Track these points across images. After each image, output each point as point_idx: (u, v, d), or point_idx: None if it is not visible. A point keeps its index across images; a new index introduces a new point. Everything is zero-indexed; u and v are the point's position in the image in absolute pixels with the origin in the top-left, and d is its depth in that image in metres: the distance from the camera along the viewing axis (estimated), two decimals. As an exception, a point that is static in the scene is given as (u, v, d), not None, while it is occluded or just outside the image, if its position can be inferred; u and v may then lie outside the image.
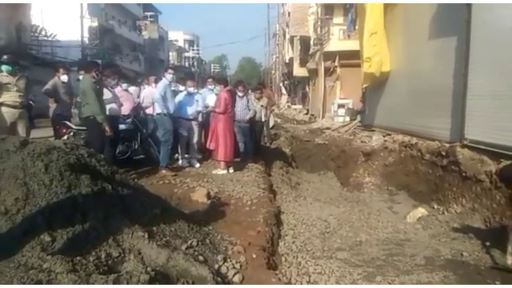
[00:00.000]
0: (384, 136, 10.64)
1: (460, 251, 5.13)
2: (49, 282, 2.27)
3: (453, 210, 6.64)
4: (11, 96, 6.47)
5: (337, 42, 19.56)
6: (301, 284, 4.33)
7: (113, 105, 7.09)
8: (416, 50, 9.69)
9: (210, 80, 9.48)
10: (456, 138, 7.42)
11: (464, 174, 6.60)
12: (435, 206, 7.11)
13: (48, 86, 7.80)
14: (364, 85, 12.96)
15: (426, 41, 8.95)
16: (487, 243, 5.20)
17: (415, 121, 9.36)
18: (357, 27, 15.12)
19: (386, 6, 11.26)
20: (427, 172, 7.85)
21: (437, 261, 4.94)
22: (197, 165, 8.25)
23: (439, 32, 8.44)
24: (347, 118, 16.57)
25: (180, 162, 8.30)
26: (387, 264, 4.89)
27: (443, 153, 7.32)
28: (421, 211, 6.98)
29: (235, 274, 3.61)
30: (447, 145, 7.44)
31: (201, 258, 3.53)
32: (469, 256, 4.99)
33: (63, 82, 7.90)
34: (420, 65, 9.41)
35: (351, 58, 15.14)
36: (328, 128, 15.13)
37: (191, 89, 8.17)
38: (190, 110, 8.12)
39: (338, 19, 21.04)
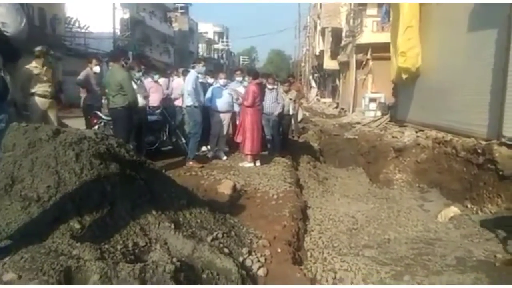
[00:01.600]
0: (416, 132, 10.35)
1: (494, 253, 4.91)
2: (77, 268, 2.32)
3: (487, 210, 6.40)
4: (42, 87, 6.59)
5: (370, 34, 19.08)
6: (327, 280, 4.26)
7: (139, 96, 7.16)
8: (453, 43, 9.33)
9: (238, 72, 9.45)
10: (493, 135, 7.12)
11: (500, 173, 6.33)
12: (469, 206, 6.86)
13: (80, 77, 7.97)
14: (396, 79, 12.63)
15: (463, 35, 8.60)
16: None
17: (449, 117, 9.05)
18: (390, 19, 14.71)
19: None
20: (461, 170, 7.58)
21: (469, 262, 4.76)
22: (224, 157, 8.27)
23: (477, 25, 8.09)
24: (379, 113, 16.22)
25: (209, 154, 8.33)
26: (416, 264, 4.74)
27: (479, 150, 7.04)
28: (453, 210, 6.74)
29: (259, 267, 3.60)
30: (484, 142, 7.15)
31: (226, 250, 3.53)
32: (503, 258, 4.77)
33: (95, 73, 8.05)
34: (457, 59, 9.06)
35: (384, 51, 14.72)
36: (358, 123, 14.87)
37: (222, 81, 8.17)
38: (222, 103, 8.13)
39: (371, 10, 20.49)
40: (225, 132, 8.34)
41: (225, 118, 8.26)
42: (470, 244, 5.34)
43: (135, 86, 6.96)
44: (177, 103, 8.49)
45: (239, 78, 8.96)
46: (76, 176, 3.24)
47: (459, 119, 8.59)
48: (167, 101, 8.42)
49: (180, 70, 9.38)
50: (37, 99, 6.57)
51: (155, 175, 4.16)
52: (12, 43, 2.61)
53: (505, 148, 6.57)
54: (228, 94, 8.23)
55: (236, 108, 8.45)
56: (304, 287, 3.61)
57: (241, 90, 8.34)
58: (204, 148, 8.51)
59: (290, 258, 4.02)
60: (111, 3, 26.71)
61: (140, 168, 3.95)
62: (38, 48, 6.65)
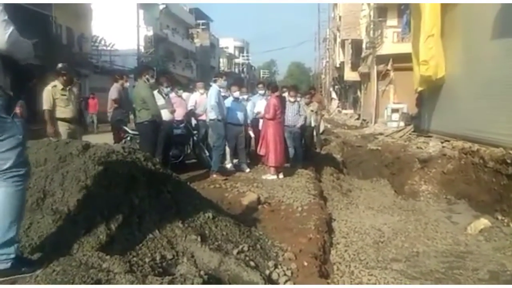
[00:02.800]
0: (442, 142, 10.13)
1: (529, 267, 4.74)
2: (108, 281, 2.35)
3: (519, 222, 6.17)
4: (65, 109, 6.15)
5: (390, 45, 18.99)
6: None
7: (166, 111, 7.28)
8: (478, 51, 9.17)
9: (260, 85, 9.52)
10: (523, 144, 6.91)
11: (532, 183, 6.12)
12: (499, 217, 6.63)
13: (115, 93, 8.13)
14: (419, 89, 12.45)
15: (489, 42, 8.44)
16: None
17: (476, 126, 8.83)
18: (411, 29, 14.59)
19: (444, 7, 10.78)
20: (490, 180, 7.35)
21: (502, 276, 4.60)
22: (247, 169, 8.28)
23: (503, 32, 7.93)
24: (402, 123, 16.00)
25: (228, 166, 8.37)
26: (447, 278, 4.61)
27: (508, 160, 6.82)
28: (483, 222, 6.53)
29: (286, 281, 3.56)
30: (513, 152, 6.94)
31: (252, 263, 3.50)
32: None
33: (123, 89, 8.26)
34: (483, 67, 8.88)
35: (405, 61, 14.58)
36: (381, 134, 14.68)
37: (237, 94, 8.22)
38: (238, 115, 8.18)
39: (392, 21, 20.42)
40: (243, 145, 8.37)
41: (241, 130, 8.30)
42: (502, 257, 5.16)
43: (163, 101, 7.10)
44: (201, 117, 8.58)
45: (261, 92, 9.01)
46: (104, 190, 3.30)
47: (486, 128, 8.37)
48: (190, 115, 8.52)
49: (200, 84, 9.42)
50: (62, 124, 6.14)
51: (181, 188, 4.20)
52: (19, 63, 2.49)
53: (536, 157, 6.36)
54: (243, 107, 8.28)
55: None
56: (308, 287, 3.56)
57: (263, 103, 8.39)
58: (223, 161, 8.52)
59: (316, 272, 3.96)
60: (135, 20, 27.43)
61: (166, 181, 3.99)
62: (60, 66, 6.32)
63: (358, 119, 25.14)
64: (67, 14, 22.51)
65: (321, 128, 13.43)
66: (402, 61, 16.46)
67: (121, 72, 9.26)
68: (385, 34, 19.57)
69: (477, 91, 8.97)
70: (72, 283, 2.30)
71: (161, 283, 2.41)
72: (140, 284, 2.35)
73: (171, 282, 2.45)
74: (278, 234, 4.71)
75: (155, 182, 3.77)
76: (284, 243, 4.41)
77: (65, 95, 6.14)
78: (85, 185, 3.25)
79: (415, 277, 4.61)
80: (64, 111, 6.13)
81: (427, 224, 6.77)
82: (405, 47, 15.37)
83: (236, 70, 63.53)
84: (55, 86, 6.09)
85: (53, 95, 6.02)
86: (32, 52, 2.57)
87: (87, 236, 2.96)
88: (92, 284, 2.30)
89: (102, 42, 26.97)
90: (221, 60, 56.89)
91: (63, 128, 6.12)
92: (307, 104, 9.82)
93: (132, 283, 2.34)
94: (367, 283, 4.37)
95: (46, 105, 6.01)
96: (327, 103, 39.15)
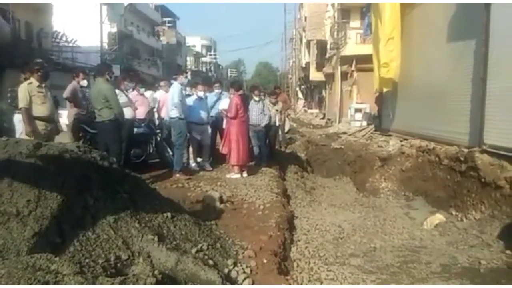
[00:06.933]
0: (401, 141, 10.46)
1: (478, 259, 4.96)
2: (55, 283, 2.29)
3: (471, 216, 6.46)
4: (42, 107, 5.91)
5: (354, 46, 19.38)
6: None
7: (128, 109, 7.16)
8: (433, 53, 9.52)
9: (217, 84, 9.60)
10: (475, 143, 7.24)
11: (483, 180, 6.41)
12: (453, 213, 6.93)
13: (67, 91, 7.90)
14: (379, 90, 12.80)
15: (443, 45, 8.79)
16: (507, 252, 5.04)
17: (432, 126, 9.18)
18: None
19: (403, 10, 11.13)
20: (445, 177, 7.66)
21: (453, 269, 4.80)
22: (209, 168, 8.27)
23: (456, 35, 8.28)
24: (364, 123, 16.39)
25: (192, 165, 8.32)
26: (401, 271, 4.77)
27: (462, 158, 7.14)
28: (438, 217, 6.81)
29: (245, 278, 3.59)
30: (466, 150, 7.25)
31: (210, 262, 3.51)
32: (488, 264, 4.82)
33: (81, 87, 8.02)
34: (437, 69, 9.24)
35: (368, 62, 14.93)
36: (344, 133, 14.98)
37: (201, 93, 8.19)
38: (201, 114, 8.15)
39: (355, 23, 20.91)
40: (207, 143, 8.35)
41: (204, 129, 8.28)
42: (455, 251, 5.39)
43: (125, 99, 6.97)
44: (162, 115, 8.47)
45: (217, 90, 9.10)
46: (57, 190, 3.21)
47: (441, 128, 8.71)
48: (152, 114, 8.40)
49: (163, 82, 9.31)
50: (39, 123, 5.86)
51: (139, 188, 4.14)
52: None
53: (486, 155, 6.67)
54: (206, 105, 8.29)
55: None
56: (301, 287, 3.62)
57: (226, 101, 8.39)
58: (186, 159, 8.46)
59: (276, 269, 4.02)
60: (98, 16, 26.69)
61: (123, 181, 3.92)
62: (38, 61, 6.09)
63: (323, 118, 25.54)
64: (25, 8, 21.59)
65: (286, 127, 13.59)
66: (365, 62, 16.84)
67: (77, 70, 8.93)
68: (348, 35, 19.98)
69: (432, 92, 9.31)
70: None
71: (112, 284, 2.37)
72: (89, 284, 2.30)
73: (122, 283, 2.42)
74: (239, 232, 4.74)
75: (111, 181, 3.70)
76: (245, 241, 4.44)
77: (41, 92, 5.92)
78: (36, 185, 3.15)
79: (372, 272, 4.74)
80: (41, 108, 5.88)
81: (386, 220, 6.98)
82: (368, 49, 15.71)
83: (204, 69, 63.07)
84: (30, 83, 5.85)
85: (29, 92, 5.76)
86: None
87: (37, 238, 2.87)
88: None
89: (64, 38, 26.04)
90: (188, 58, 56.28)
91: (39, 128, 5.85)
92: (273, 104, 9.90)
93: (81, 284, 2.29)
94: (325, 279, 4.45)
95: (22, 102, 5.73)
96: (294, 102, 39.57)
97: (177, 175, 7.36)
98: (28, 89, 5.79)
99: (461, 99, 7.90)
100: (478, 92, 7.24)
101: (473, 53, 7.51)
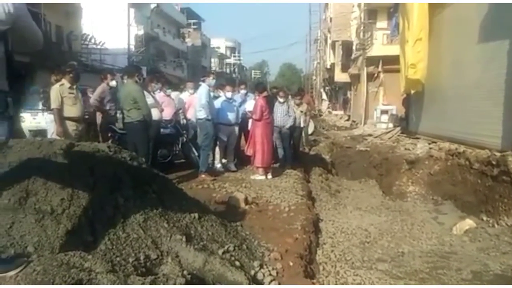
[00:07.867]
0: (429, 144, 10.24)
1: (511, 266, 4.81)
2: (89, 281, 2.34)
3: (503, 222, 6.25)
4: (74, 108, 6.12)
5: (380, 47, 19.11)
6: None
7: (155, 110, 7.25)
8: (463, 54, 9.30)
9: (243, 86, 9.60)
10: (508, 146, 7.02)
11: (516, 184, 6.21)
12: (484, 218, 6.73)
13: (96, 95, 8.06)
14: (406, 91, 12.58)
15: (475, 45, 8.57)
16: (542, 260, 4.86)
17: (462, 128, 8.96)
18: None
19: (432, 11, 10.91)
20: (475, 182, 7.45)
21: (485, 276, 4.66)
22: (234, 168, 8.30)
23: (489, 35, 8.06)
24: (390, 125, 16.13)
25: (217, 166, 8.37)
26: (431, 278, 4.67)
27: (494, 162, 6.92)
28: (468, 222, 6.62)
29: (271, 281, 3.57)
30: (498, 154, 7.04)
31: (237, 263, 3.51)
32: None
33: (110, 88, 8.19)
34: (468, 70, 9.01)
35: (395, 63, 14.70)
36: (370, 135, 14.78)
37: (229, 94, 8.23)
38: (229, 116, 8.18)
39: (381, 23, 20.60)
40: (233, 145, 8.38)
41: (232, 131, 8.31)
42: (486, 257, 5.23)
43: (152, 100, 7.07)
44: (188, 116, 8.55)
45: (243, 92, 9.10)
46: (89, 189, 3.28)
47: (472, 130, 8.49)
48: (179, 115, 8.50)
49: (190, 84, 9.40)
50: (70, 124, 6.07)
51: (167, 188, 4.19)
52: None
53: (520, 159, 6.45)
54: (234, 107, 8.30)
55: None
56: (304, 287, 3.58)
57: (252, 103, 8.40)
58: (211, 160, 8.52)
59: (302, 272, 3.99)
60: (126, 19, 27.24)
61: (152, 181, 3.98)
62: (72, 63, 6.33)
63: (348, 120, 25.27)
64: (56, 11, 22.27)
65: (310, 129, 13.51)
66: (392, 63, 16.60)
67: (104, 71, 9.12)
68: (375, 36, 19.69)
69: (463, 93, 9.09)
70: (53, 283, 2.28)
71: (143, 283, 2.41)
72: (122, 283, 2.34)
73: (153, 282, 2.45)
74: (264, 234, 4.73)
75: (141, 182, 3.75)
76: (271, 243, 4.42)
77: (72, 93, 6.12)
78: (69, 184, 3.23)
79: (400, 277, 4.65)
80: (72, 109, 6.09)
81: (413, 224, 6.84)
82: (395, 49, 15.48)
83: (228, 71, 63.47)
84: (62, 84, 6.07)
85: (60, 93, 5.98)
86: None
87: (70, 236, 2.94)
88: (73, 283, 2.28)
89: (92, 41, 26.71)
90: (212, 60, 56.77)
91: (70, 128, 6.07)
92: (298, 105, 9.85)
93: (113, 282, 2.33)
94: (352, 283, 4.40)
95: (54, 103, 5.99)
96: (318, 104, 39.31)
97: (203, 176, 7.40)
98: (60, 90, 6.02)
99: (493, 101, 7.68)
100: (510, 94, 7.02)
101: (507, 53, 7.29)
